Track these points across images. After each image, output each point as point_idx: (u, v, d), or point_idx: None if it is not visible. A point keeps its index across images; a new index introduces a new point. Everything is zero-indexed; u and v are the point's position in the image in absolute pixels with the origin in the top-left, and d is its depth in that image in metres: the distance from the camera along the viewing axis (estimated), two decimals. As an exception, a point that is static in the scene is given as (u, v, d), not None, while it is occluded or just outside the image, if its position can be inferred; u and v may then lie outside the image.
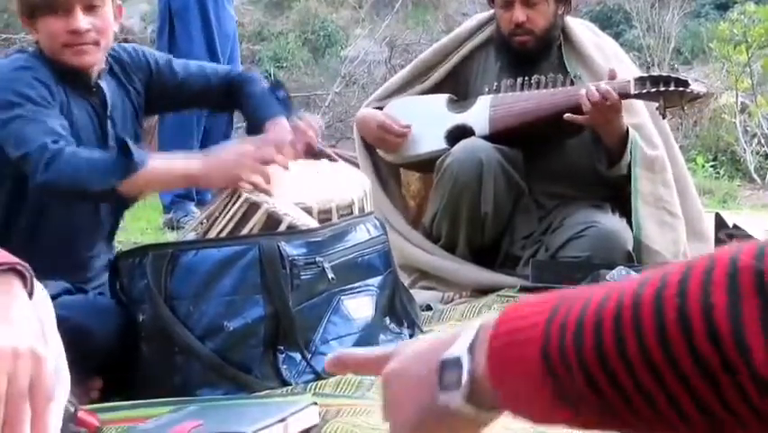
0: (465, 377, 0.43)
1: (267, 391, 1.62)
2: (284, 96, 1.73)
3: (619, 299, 0.37)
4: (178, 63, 1.82)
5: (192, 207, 3.15)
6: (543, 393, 0.39)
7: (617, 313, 0.36)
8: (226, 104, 1.91)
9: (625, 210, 2.06)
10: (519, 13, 2.00)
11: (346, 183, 1.87)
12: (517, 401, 0.42)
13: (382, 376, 0.49)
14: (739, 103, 6.71)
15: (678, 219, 2.04)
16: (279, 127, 1.68)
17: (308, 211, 1.70)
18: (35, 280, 0.88)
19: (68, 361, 1.01)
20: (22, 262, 0.78)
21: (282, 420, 1.39)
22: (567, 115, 1.87)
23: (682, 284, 0.34)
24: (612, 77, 1.92)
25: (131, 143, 1.57)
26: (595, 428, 0.40)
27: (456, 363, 0.43)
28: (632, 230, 1.98)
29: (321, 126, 2.01)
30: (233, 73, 1.88)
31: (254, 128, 1.75)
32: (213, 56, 3.06)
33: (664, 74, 1.93)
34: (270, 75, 5.91)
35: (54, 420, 0.84)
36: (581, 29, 2.21)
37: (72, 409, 1.31)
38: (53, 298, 1.41)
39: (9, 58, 1.74)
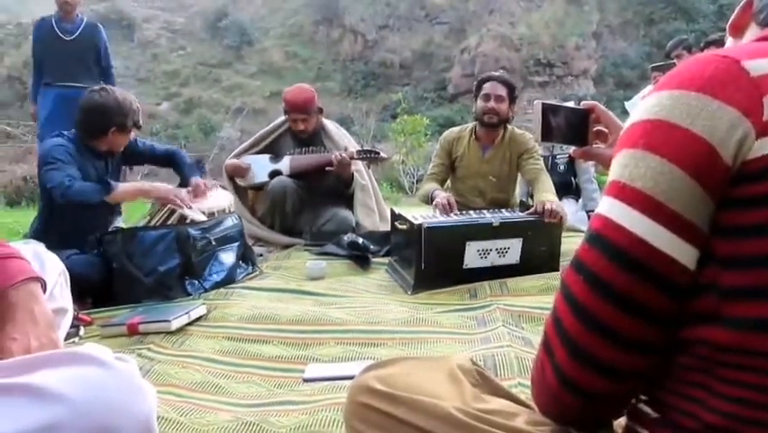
0: None
1: (179, 300, 2.36)
2: (200, 166, 3.00)
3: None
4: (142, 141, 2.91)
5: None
6: None
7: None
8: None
9: None
10: (303, 124, 3.50)
11: (222, 198, 2.99)
12: None
13: None
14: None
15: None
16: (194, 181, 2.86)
17: (204, 212, 2.73)
18: (51, 253, 1.20)
19: (75, 289, 1.29)
20: (36, 273, 0.89)
21: (187, 313, 2.09)
22: (328, 168, 3.35)
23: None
24: (347, 150, 3.46)
25: (109, 179, 2.57)
26: None
27: None
28: None
29: (216, 184, 3.13)
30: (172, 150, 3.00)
31: (184, 180, 2.90)
32: None
33: (368, 148, 3.55)
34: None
35: (62, 335, 1.05)
36: (329, 124, 3.71)
37: (75, 313, 1.79)
38: (67, 258, 2.19)
39: (53, 139, 2.61)
